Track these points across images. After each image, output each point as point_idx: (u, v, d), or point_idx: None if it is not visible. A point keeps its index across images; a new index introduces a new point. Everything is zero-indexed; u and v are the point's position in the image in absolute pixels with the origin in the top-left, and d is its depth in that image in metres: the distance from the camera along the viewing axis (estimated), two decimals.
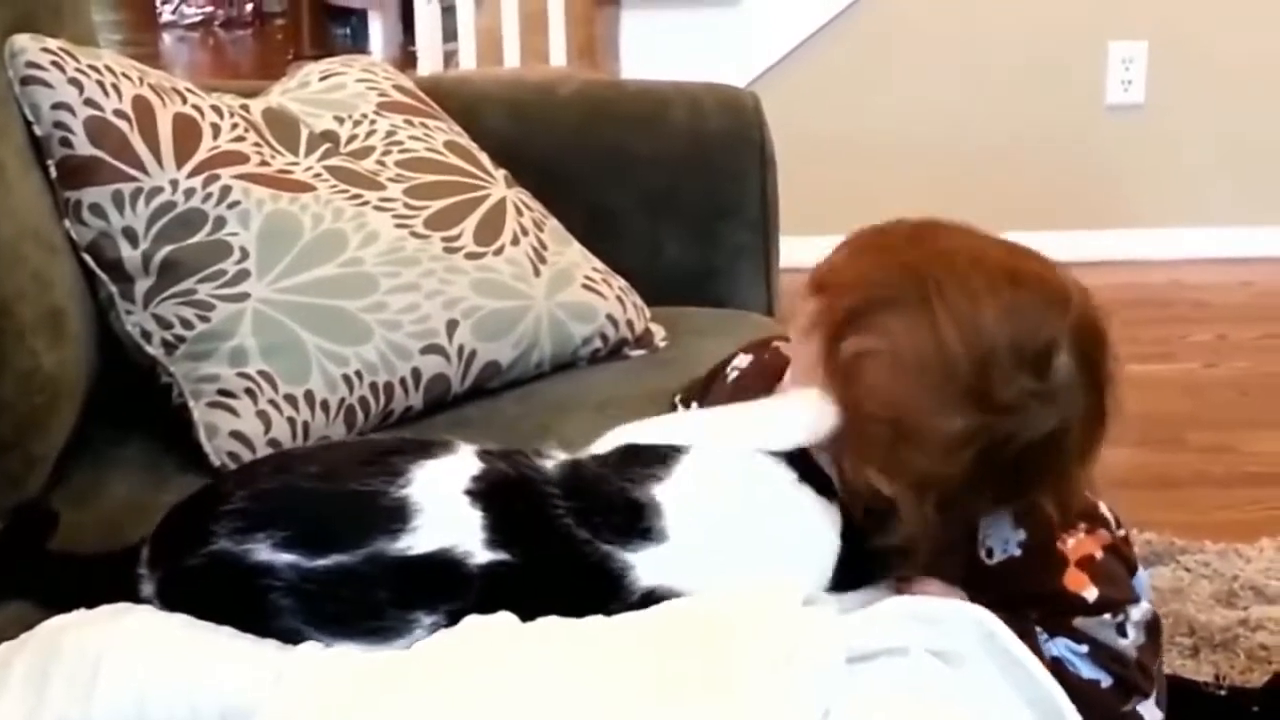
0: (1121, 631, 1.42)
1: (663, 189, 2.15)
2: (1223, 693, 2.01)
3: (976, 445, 1.32)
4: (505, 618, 1.27)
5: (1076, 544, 1.42)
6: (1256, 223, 3.90)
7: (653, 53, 3.70)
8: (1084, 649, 1.41)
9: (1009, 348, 1.32)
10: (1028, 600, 1.41)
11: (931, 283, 1.33)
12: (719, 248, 2.16)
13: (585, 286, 1.93)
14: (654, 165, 2.16)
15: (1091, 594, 1.41)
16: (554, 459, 1.39)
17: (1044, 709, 1.29)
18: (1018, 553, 1.41)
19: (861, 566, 1.35)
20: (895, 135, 3.81)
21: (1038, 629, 1.40)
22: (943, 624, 1.28)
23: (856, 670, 1.23)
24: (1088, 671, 1.41)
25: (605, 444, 1.42)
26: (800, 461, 1.37)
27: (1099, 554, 1.43)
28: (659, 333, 2.01)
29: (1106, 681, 1.41)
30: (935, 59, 3.85)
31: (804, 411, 1.35)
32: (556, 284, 1.90)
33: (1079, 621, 1.41)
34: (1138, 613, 1.42)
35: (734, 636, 1.23)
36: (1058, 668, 1.38)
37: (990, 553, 1.42)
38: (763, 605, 1.26)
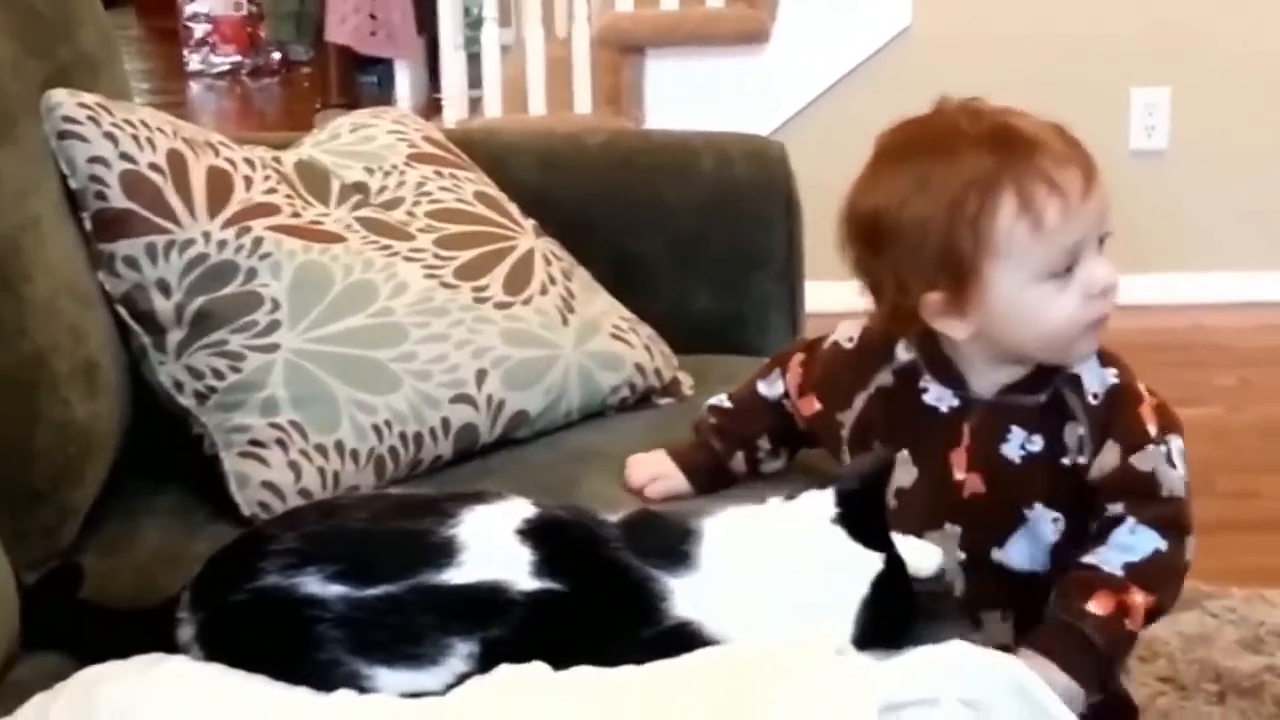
0: (1170, 461, 1.55)
1: (690, 238, 2.16)
2: None
3: None
4: (539, 668, 1.28)
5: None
6: (1279, 267, 3.90)
7: (678, 100, 3.72)
8: (1132, 522, 1.52)
9: None
10: (1121, 430, 1.54)
11: None
12: (746, 296, 2.17)
13: (613, 336, 1.94)
14: (681, 214, 2.16)
15: (1154, 428, 1.55)
16: (617, 515, 1.41)
17: None
18: (1115, 382, 1.56)
19: (899, 620, 1.34)
20: None
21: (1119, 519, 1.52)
22: (974, 674, 1.29)
23: None
24: (1151, 544, 1.52)
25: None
26: (853, 503, 1.37)
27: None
28: (687, 381, 2.02)
29: (1164, 545, 1.53)
30: None
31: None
32: (585, 333, 1.91)
33: (1137, 459, 1.53)
34: (1177, 442, 1.56)
35: (766, 686, 1.23)
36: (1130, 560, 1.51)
37: (1096, 395, 1.55)
38: (795, 654, 1.27)
